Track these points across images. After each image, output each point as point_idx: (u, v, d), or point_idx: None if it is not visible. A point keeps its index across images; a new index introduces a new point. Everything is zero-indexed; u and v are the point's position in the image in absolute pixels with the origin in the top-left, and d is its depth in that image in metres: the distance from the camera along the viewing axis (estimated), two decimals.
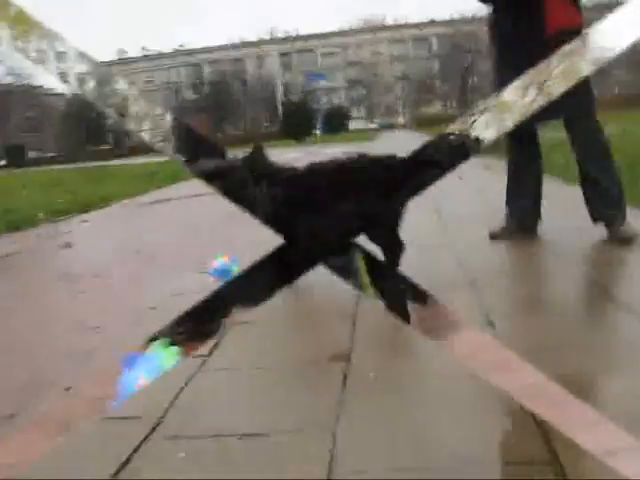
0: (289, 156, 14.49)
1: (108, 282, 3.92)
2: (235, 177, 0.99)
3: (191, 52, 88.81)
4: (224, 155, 0.98)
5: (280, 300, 2.85)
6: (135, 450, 1.62)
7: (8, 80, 64.18)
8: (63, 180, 16.19)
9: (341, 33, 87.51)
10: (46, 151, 69.42)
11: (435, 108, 78.31)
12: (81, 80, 1.01)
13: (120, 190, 10.79)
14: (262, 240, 1.46)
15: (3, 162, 57.35)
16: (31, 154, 64.53)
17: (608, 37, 0.89)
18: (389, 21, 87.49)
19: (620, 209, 3.64)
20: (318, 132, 57.34)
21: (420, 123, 56.16)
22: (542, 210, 3.99)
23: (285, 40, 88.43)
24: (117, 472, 1.52)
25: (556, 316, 2.49)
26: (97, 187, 12.03)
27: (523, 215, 3.99)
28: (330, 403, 1.79)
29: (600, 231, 3.66)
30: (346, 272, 0.99)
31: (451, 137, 0.93)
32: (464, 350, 0.95)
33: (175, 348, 0.97)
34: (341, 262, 0.99)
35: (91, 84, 0.99)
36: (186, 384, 2.04)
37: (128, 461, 1.57)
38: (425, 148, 0.96)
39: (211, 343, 2.31)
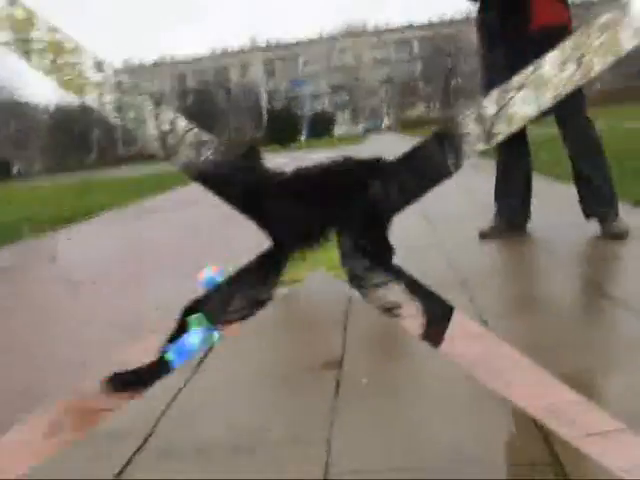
0: (277, 161, 14.45)
1: (92, 294, 3.87)
2: (232, 178, 0.99)
3: (174, 62, 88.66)
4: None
5: (271, 308, 2.81)
6: (127, 464, 1.57)
7: None
8: (48, 193, 16.09)
9: (323, 40, 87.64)
10: (32, 165, 69.11)
11: (419, 110, 78.52)
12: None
13: (106, 201, 10.71)
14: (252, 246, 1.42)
15: None
16: (16, 168, 64.21)
17: None
18: (370, 26, 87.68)
19: (612, 205, 3.64)
20: (303, 138, 57.38)
21: (405, 125, 56.37)
22: (532, 208, 3.97)
23: (268, 48, 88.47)
24: None
25: (551, 314, 2.46)
26: (82, 199, 11.94)
27: (512, 213, 3.97)
28: (323, 410, 1.75)
29: (591, 227, 3.65)
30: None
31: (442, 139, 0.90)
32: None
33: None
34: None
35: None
36: (179, 391, 1.99)
37: (119, 475, 1.53)
38: (415, 150, 0.93)
39: (200, 353, 2.27)
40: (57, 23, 1.02)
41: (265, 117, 66.24)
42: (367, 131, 66.00)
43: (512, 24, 3.58)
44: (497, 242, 3.83)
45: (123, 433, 1.74)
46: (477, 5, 3.86)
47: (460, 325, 1.07)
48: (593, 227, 3.65)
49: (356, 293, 2.45)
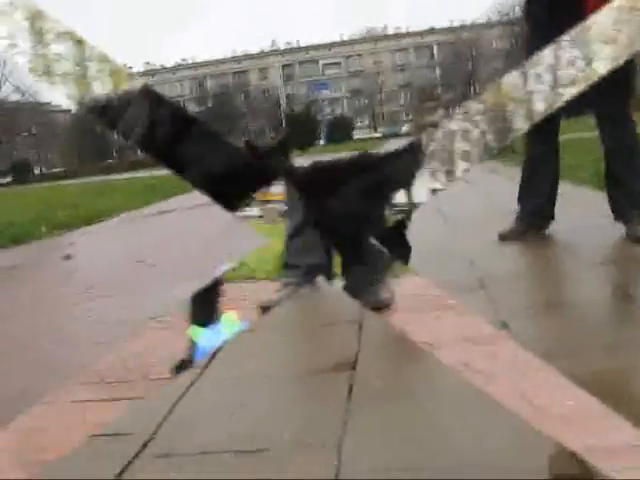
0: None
1: (106, 292, 3.82)
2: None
3: (194, 65, 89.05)
4: None
5: (284, 306, 2.75)
6: (125, 468, 1.50)
7: (16, 97, 64.47)
8: (66, 194, 16.18)
9: (343, 43, 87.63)
10: (52, 167, 69.67)
11: (438, 115, 78.22)
12: None
13: (121, 203, 10.72)
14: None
15: (8, 179, 57.48)
16: (36, 170, 64.81)
17: None
18: (390, 30, 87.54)
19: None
20: (322, 142, 57.37)
21: (424, 131, 56.13)
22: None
23: (287, 51, 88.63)
24: None
25: (575, 317, 2.37)
26: (99, 200, 11.97)
27: (536, 214, 3.84)
28: (335, 414, 1.67)
29: (615, 230, 3.55)
30: None
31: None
32: None
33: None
34: None
35: None
36: (183, 395, 1.92)
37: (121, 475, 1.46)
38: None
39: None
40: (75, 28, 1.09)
41: (284, 121, 66.29)
42: (386, 136, 65.92)
43: (563, 13, 3.36)
44: (518, 244, 3.72)
45: (125, 435, 1.67)
46: None
47: (477, 328, 1.00)
48: (617, 230, 3.55)
49: None
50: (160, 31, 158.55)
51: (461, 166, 1.35)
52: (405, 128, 77.21)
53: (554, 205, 3.86)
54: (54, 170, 65.94)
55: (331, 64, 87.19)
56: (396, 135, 70.35)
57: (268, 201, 2.42)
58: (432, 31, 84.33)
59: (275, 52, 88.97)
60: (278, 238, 2.81)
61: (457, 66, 75.05)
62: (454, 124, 1.35)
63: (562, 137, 5.52)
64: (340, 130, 61.54)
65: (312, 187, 1.60)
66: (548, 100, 1.26)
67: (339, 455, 1.44)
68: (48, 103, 68.37)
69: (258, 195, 1.45)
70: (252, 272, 3.13)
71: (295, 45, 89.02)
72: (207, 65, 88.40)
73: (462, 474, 1.34)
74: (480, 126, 1.32)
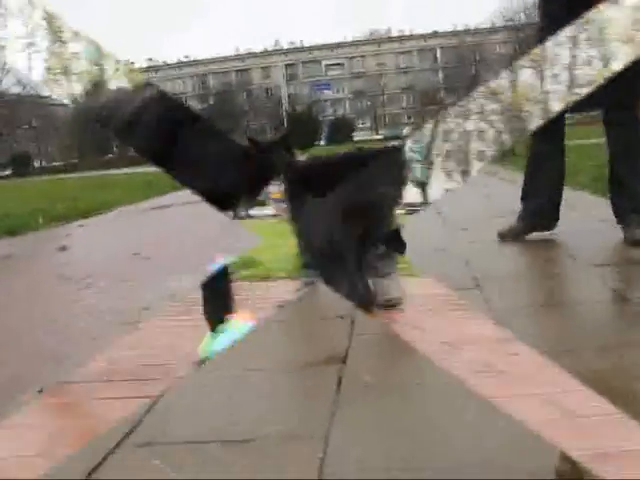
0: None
1: (101, 283, 3.79)
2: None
3: (196, 63, 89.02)
4: None
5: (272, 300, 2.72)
6: (106, 456, 1.48)
7: (17, 90, 64.35)
8: (65, 187, 16.16)
9: (346, 44, 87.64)
10: (52, 160, 69.58)
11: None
12: None
13: (120, 197, 10.71)
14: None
15: (8, 172, 57.38)
16: (36, 163, 64.73)
17: None
18: (394, 33, 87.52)
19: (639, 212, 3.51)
20: (323, 142, 57.35)
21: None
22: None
23: (290, 51, 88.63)
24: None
25: (571, 318, 2.36)
26: (98, 194, 11.96)
27: (537, 214, 3.80)
28: (323, 406, 1.65)
29: (612, 233, 3.53)
30: None
31: None
32: None
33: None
34: None
35: None
36: (169, 386, 1.89)
37: (97, 468, 1.43)
38: None
39: None
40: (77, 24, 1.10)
41: (285, 120, 66.28)
42: (387, 138, 65.90)
43: (581, 11, 3.29)
44: (517, 244, 3.70)
45: (110, 425, 1.65)
46: None
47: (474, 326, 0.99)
48: (615, 233, 3.54)
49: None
50: (163, 29, 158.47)
51: (476, 166, 1.34)
52: (406, 131, 77.26)
53: (559, 206, 3.81)
54: (54, 164, 65.83)
55: (334, 65, 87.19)
56: (397, 137, 70.43)
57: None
58: (436, 34, 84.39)
59: (278, 51, 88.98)
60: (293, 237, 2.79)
61: (460, 70, 75.07)
62: (470, 124, 1.35)
63: None
64: (341, 131, 61.51)
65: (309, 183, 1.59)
66: (564, 100, 1.26)
67: (325, 447, 1.42)
68: (48, 97, 68.30)
69: (275, 194, 1.44)
70: (268, 271, 3.11)
71: (299, 45, 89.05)
72: (210, 63, 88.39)
73: (452, 469, 1.32)
74: (496, 126, 1.31)
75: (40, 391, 1.95)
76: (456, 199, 5.49)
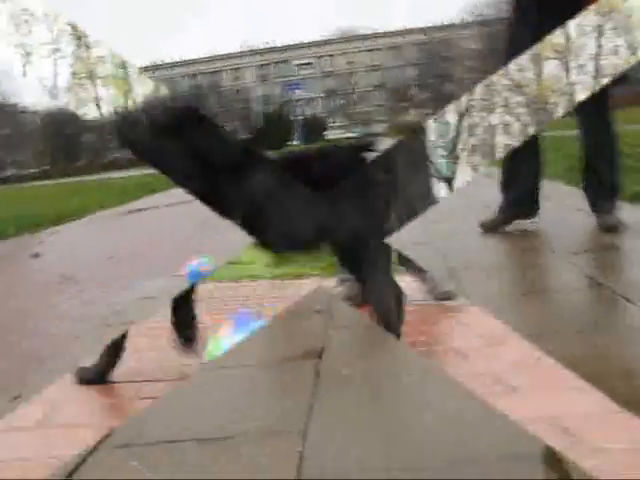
0: None
1: (75, 288, 3.75)
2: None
3: (169, 65, 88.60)
4: None
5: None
6: (84, 458, 1.45)
7: None
8: (38, 194, 16.02)
9: (317, 43, 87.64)
10: (24, 168, 68.81)
11: (412, 116, 78.57)
12: None
13: (93, 203, 10.60)
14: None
15: None
16: (9, 171, 63.96)
17: None
18: (364, 31, 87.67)
19: (612, 199, 3.60)
20: (295, 142, 57.31)
21: (399, 130, 56.40)
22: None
23: (261, 52, 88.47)
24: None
25: (551, 304, 2.37)
26: (70, 201, 11.83)
27: (517, 204, 3.83)
28: (301, 402, 1.63)
29: (587, 221, 3.58)
30: None
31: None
32: None
33: None
34: None
35: None
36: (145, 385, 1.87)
37: (78, 469, 1.41)
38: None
39: None
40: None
41: (257, 121, 66.18)
42: (360, 137, 66.00)
43: (553, 2, 3.23)
44: (498, 234, 3.72)
45: (85, 425, 1.62)
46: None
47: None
48: (589, 221, 3.59)
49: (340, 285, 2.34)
50: (134, 31, 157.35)
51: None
52: (379, 128, 77.57)
53: (538, 193, 3.84)
54: (27, 171, 65.09)
55: (305, 64, 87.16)
56: (370, 135, 70.65)
57: None
58: (406, 31, 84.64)
59: (249, 52, 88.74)
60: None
61: (430, 66, 75.38)
62: (495, 118, 1.35)
63: None
64: (313, 130, 61.54)
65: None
66: (590, 89, 1.25)
67: (304, 441, 1.40)
68: (15, 104, 67.48)
69: None
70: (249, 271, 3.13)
71: (269, 45, 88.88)
72: (180, 66, 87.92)
73: (427, 468, 1.31)
74: (522, 119, 1.30)
75: (17, 397, 1.91)
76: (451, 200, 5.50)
